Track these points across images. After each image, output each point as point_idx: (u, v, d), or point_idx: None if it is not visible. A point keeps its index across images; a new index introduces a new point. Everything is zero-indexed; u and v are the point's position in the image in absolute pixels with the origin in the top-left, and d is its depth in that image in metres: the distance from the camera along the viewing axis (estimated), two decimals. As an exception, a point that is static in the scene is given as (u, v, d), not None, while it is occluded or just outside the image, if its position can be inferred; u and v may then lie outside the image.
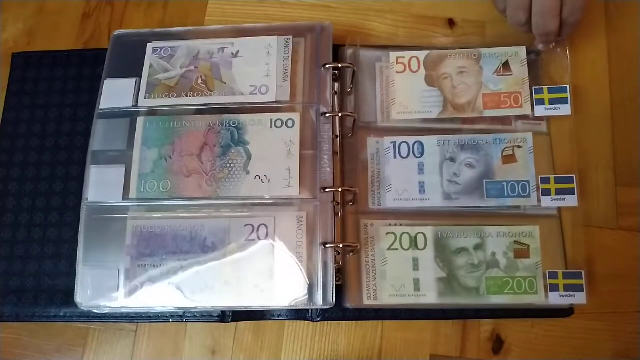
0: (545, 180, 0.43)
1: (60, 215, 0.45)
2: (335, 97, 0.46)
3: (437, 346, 0.43)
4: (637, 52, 0.49)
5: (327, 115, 0.44)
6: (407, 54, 0.47)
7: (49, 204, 0.46)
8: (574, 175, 0.43)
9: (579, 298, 0.41)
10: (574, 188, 0.43)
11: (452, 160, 0.44)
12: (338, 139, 0.45)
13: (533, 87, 0.45)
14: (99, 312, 0.42)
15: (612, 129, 0.47)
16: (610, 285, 0.43)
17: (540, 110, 0.45)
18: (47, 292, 0.44)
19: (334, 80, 0.46)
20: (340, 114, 0.44)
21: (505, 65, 0.46)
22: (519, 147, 0.44)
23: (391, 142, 0.45)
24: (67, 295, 0.42)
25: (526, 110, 0.45)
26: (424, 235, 0.43)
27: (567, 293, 0.41)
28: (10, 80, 0.50)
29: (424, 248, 0.43)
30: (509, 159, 0.44)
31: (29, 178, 0.47)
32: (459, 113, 0.45)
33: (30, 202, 0.46)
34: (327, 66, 0.45)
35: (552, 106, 0.45)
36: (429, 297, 0.42)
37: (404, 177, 0.44)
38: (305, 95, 0.45)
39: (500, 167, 0.44)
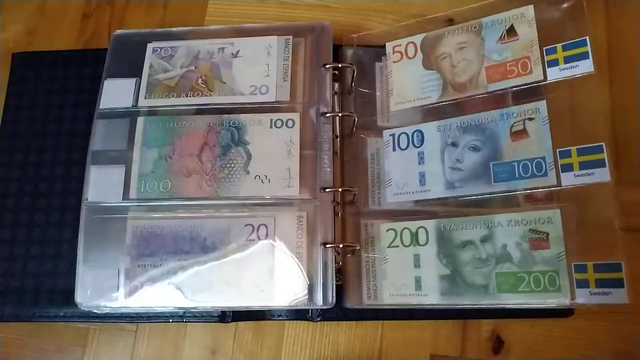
0: (566, 154, 0.37)
1: (60, 215, 0.45)
2: (335, 97, 0.46)
3: (437, 346, 0.43)
4: (637, 53, 0.49)
5: (327, 115, 0.44)
6: (403, 41, 0.45)
7: (49, 204, 0.46)
8: (603, 144, 0.36)
9: (618, 296, 0.34)
10: (604, 159, 0.35)
11: (454, 145, 0.41)
12: (338, 139, 0.45)
13: (544, 48, 0.39)
14: (99, 312, 0.42)
15: (613, 128, 0.47)
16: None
17: (554, 73, 0.39)
18: (47, 292, 0.44)
19: (334, 80, 0.46)
20: (340, 114, 0.44)
21: (511, 31, 0.41)
22: (531, 119, 0.38)
23: (390, 135, 0.44)
24: (67, 295, 0.42)
25: (537, 75, 0.39)
26: (425, 230, 0.40)
27: (600, 290, 0.35)
28: (10, 80, 0.50)
29: (426, 243, 0.40)
30: (519, 135, 0.39)
31: (29, 178, 0.46)
32: (461, 93, 0.42)
33: (30, 202, 0.46)
34: (327, 66, 0.45)
35: (568, 65, 0.38)
36: (431, 296, 0.40)
37: (404, 170, 0.42)
38: (305, 95, 0.45)
39: (509, 145, 0.39)
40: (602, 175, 0.36)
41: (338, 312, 0.43)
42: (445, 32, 0.44)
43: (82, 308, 0.41)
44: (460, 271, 0.39)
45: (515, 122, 0.39)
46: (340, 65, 0.45)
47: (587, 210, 0.38)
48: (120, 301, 0.41)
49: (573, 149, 0.37)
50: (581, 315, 0.43)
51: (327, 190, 0.42)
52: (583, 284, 0.36)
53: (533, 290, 0.37)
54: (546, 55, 0.39)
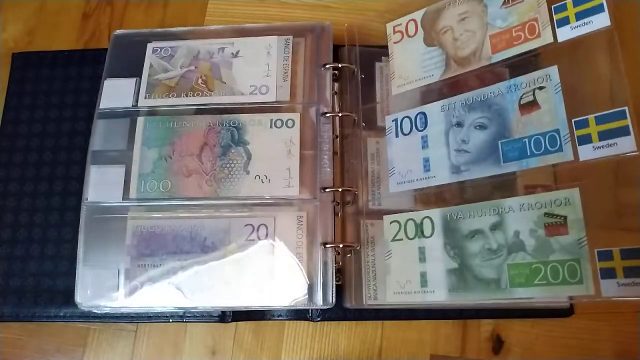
0: (582, 124, 0.32)
1: (60, 215, 0.45)
2: (335, 97, 0.46)
3: (437, 346, 0.43)
4: (637, 52, 0.49)
5: (327, 115, 0.44)
6: (404, 20, 0.43)
7: (49, 204, 0.46)
8: (626, 108, 0.31)
9: None
10: (627, 126, 0.31)
11: (459, 125, 0.38)
12: (338, 139, 0.45)
13: (552, 7, 0.36)
14: (99, 312, 0.42)
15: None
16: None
17: (565, 33, 0.35)
18: (47, 292, 0.44)
19: (334, 80, 0.46)
20: (340, 114, 0.44)
21: None
22: (541, 88, 0.34)
23: (392, 120, 0.42)
24: (67, 295, 0.42)
25: (546, 38, 0.35)
26: (431, 220, 0.38)
27: (629, 280, 0.30)
28: (10, 80, 0.50)
29: (431, 235, 0.37)
30: (529, 107, 0.35)
31: (29, 178, 0.46)
32: (464, 67, 0.39)
33: (30, 202, 0.46)
34: (327, 66, 0.45)
35: (580, 22, 0.34)
36: (438, 293, 0.37)
37: (407, 156, 0.40)
38: (305, 95, 0.45)
39: (518, 120, 0.35)
40: (627, 145, 0.31)
41: (338, 312, 0.43)
42: (446, 4, 0.41)
43: (82, 308, 0.41)
44: (468, 264, 0.36)
45: (524, 94, 0.35)
46: (340, 65, 0.45)
47: (610, 187, 0.35)
48: (120, 301, 0.41)
49: (591, 117, 0.32)
50: (581, 315, 0.43)
51: (327, 190, 0.42)
52: (609, 273, 0.30)
53: (550, 282, 0.32)
54: (555, 14, 0.35)
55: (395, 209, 0.43)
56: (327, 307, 0.40)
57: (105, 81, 0.46)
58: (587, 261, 0.31)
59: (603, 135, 0.32)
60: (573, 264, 0.32)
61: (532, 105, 0.35)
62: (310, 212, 0.42)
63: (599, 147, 0.32)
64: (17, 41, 0.53)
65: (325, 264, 0.40)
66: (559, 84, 0.34)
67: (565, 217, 0.32)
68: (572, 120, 0.33)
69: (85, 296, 0.41)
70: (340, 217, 0.43)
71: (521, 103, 0.35)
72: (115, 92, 0.45)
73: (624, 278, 0.30)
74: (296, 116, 0.43)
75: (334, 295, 0.40)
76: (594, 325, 0.43)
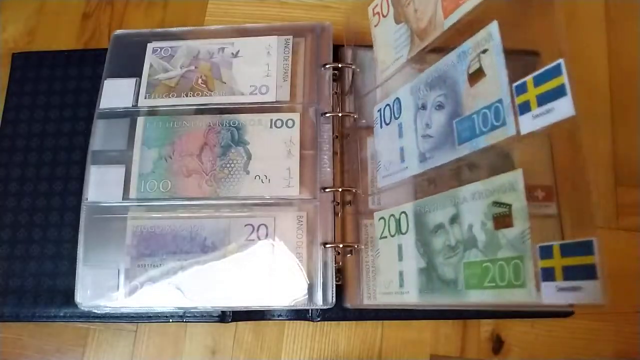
0: (521, 89, 0.26)
1: (60, 215, 0.45)
2: (335, 97, 0.46)
3: (437, 346, 0.43)
4: (637, 52, 0.49)
5: (327, 115, 0.44)
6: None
7: (49, 204, 0.46)
8: (561, 61, 0.24)
9: (589, 292, 0.23)
10: (563, 84, 0.24)
11: (424, 107, 0.34)
12: (338, 139, 0.45)
13: None
14: (99, 312, 0.42)
15: (612, 128, 0.47)
16: (611, 285, 0.43)
17: None
18: (47, 292, 0.44)
19: (334, 80, 0.46)
20: (340, 114, 0.44)
21: None
22: (485, 51, 0.29)
23: (378, 110, 0.40)
24: (67, 295, 0.42)
25: None
26: (406, 215, 0.35)
27: (568, 284, 0.23)
28: (10, 80, 0.50)
29: (407, 231, 0.34)
30: (476, 76, 0.29)
31: (29, 178, 0.46)
32: (424, 41, 0.34)
33: (30, 202, 0.46)
34: (327, 66, 0.45)
35: None
36: (412, 294, 0.34)
37: (389, 147, 0.37)
38: (305, 95, 0.45)
39: (468, 93, 0.30)
40: (564, 108, 0.24)
41: (338, 312, 0.43)
42: None
43: (82, 308, 0.41)
44: (434, 263, 0.32)
45: (472, 61, 0.30)
46: (340, 65, 0.45)
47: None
48: (120, 301, 0.41)
49: (529, 78, 0.26)
50: (581, 315, 0.43)
51: (327, 190, 0.42)
52: (549, 275, 0.24)
53: (498, 285, 0.27)
54: None
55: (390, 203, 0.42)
56: (327, 307, 0.40)
57: (105, 81, 0.46)
58: (530, 259, 0.26)
59: (541, 100, 0.25)
60: (517, 262, 0.26)
61: (479, 73, 0.29)
62: (310, 212, 0.42)
63: (537, 116, 0.25)
64: (17, 41, 0.53)
65: (325, 263, 0.40)
66: (500, 43, 0.28)
67: (510, 206, 0.27)
68: (513, 86, 0.27)
69: (85, 296, 0.41)
70: (340, 217, 0.43)
71: (469, 72, 0.30)
72: (115, 92, 0.45)
73: (563, 281, 0.24)
74: (296, 116, 0.43)
75: (334, 295, 0.40)
76: (594, 325, 0.43)
